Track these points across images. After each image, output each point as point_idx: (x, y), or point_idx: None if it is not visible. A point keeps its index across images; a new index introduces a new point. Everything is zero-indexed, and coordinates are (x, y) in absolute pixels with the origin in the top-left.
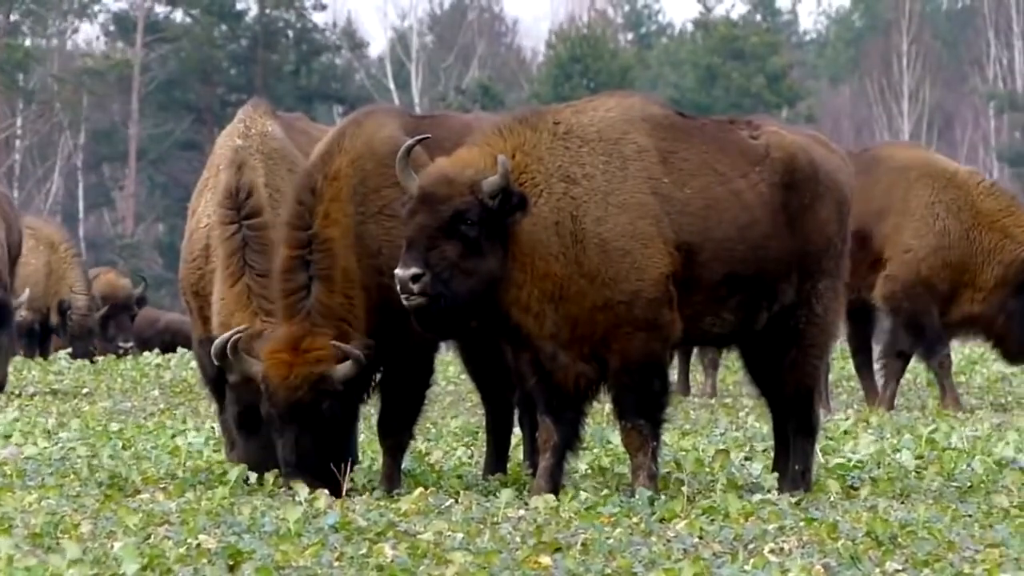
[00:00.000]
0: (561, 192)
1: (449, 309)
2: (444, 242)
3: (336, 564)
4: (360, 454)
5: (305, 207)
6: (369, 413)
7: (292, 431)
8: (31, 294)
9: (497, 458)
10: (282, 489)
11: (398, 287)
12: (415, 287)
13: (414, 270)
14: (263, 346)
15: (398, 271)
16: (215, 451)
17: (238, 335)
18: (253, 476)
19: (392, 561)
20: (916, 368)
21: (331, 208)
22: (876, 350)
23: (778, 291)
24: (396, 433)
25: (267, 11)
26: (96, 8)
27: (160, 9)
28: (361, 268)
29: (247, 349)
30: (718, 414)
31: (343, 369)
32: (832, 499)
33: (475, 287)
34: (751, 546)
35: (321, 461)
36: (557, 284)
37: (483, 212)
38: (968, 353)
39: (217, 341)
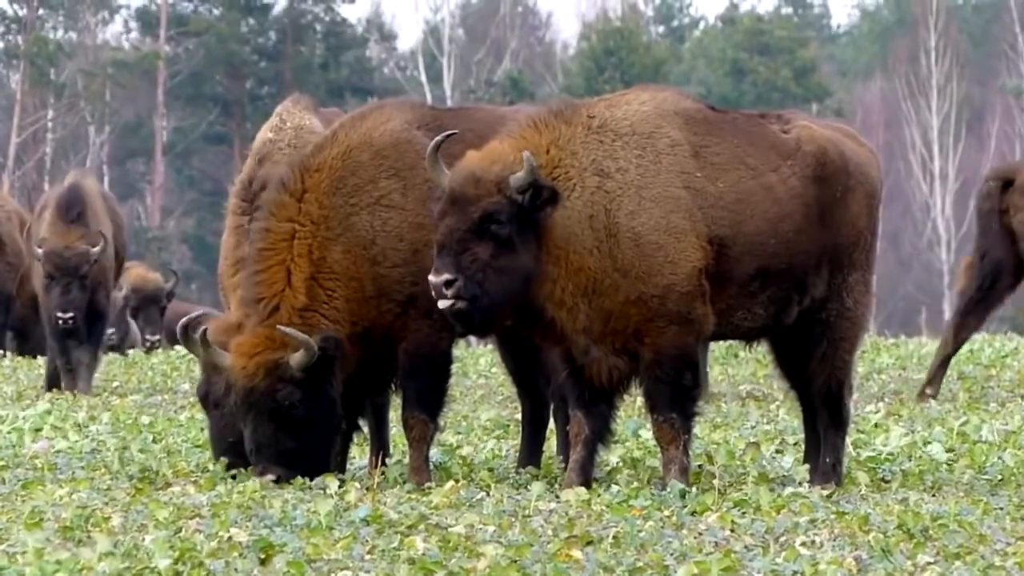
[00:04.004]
0: (595, 186)
1: (487, 308)
2: (475, 244)
3: (367, 557)
4: (391, 447)
5: (276, 202)
6: (398, 405)
7: (252, 419)
8: None
9: (531, 451)
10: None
11: (432, 292)
12: (448, 292)
13: (446, 276)
14: (233, 341)
15: (431, 277)
16: None
17: (192, 321)
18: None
19: (423, 554)
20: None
21: (304, 200)
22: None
23: (808, 285)
24: (418, 425)
25: (295, 5)
26: (119, 2)
27: (186, 3)
28: (351, 259)
29: (219, 342)
30: (749, 407)
31: (299, 356)
32: (863, 492)
33: (510, 284)
34: (782, 539)
35: (293, 454)
36: (591, 278)
37: (513, 209)
38: (999, 347)
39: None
